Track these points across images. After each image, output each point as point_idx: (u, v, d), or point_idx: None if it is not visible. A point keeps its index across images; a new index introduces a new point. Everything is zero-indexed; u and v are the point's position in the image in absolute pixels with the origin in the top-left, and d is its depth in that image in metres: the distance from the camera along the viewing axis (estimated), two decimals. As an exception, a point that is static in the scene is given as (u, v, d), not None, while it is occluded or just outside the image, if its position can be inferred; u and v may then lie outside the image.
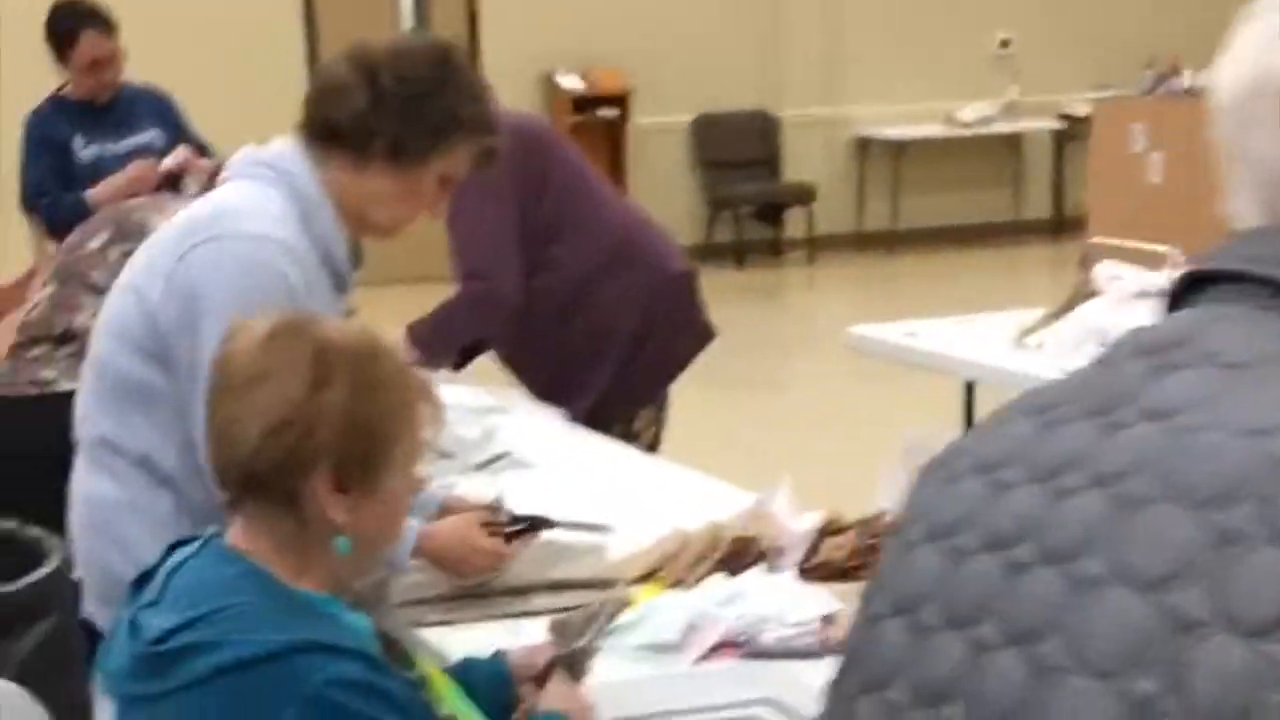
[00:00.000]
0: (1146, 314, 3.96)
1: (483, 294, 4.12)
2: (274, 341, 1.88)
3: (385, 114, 2.60)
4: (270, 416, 1.84)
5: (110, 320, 2.70)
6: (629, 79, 12.05)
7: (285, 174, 2.64)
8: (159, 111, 5.50)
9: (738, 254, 12.15)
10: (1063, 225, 13.29)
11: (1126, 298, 4.06)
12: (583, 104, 11.79)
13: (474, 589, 2.67)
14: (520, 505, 2.91)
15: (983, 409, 4.92)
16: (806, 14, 12.62)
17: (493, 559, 2.70)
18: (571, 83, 11.90)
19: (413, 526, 2.57)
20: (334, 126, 2.62)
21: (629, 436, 4.14)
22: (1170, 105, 7.23)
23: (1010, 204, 13.40)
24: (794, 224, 12.68)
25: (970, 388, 4.83)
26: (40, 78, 5.59)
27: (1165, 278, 4.11)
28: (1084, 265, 5.48)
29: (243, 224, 2.57)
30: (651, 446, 4.30)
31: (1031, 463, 1.03)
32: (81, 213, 5.08)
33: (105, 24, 5.29)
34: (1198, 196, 6.31)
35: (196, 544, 1.93)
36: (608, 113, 11.89)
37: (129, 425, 2.63)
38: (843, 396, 8.14)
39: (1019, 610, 0.98)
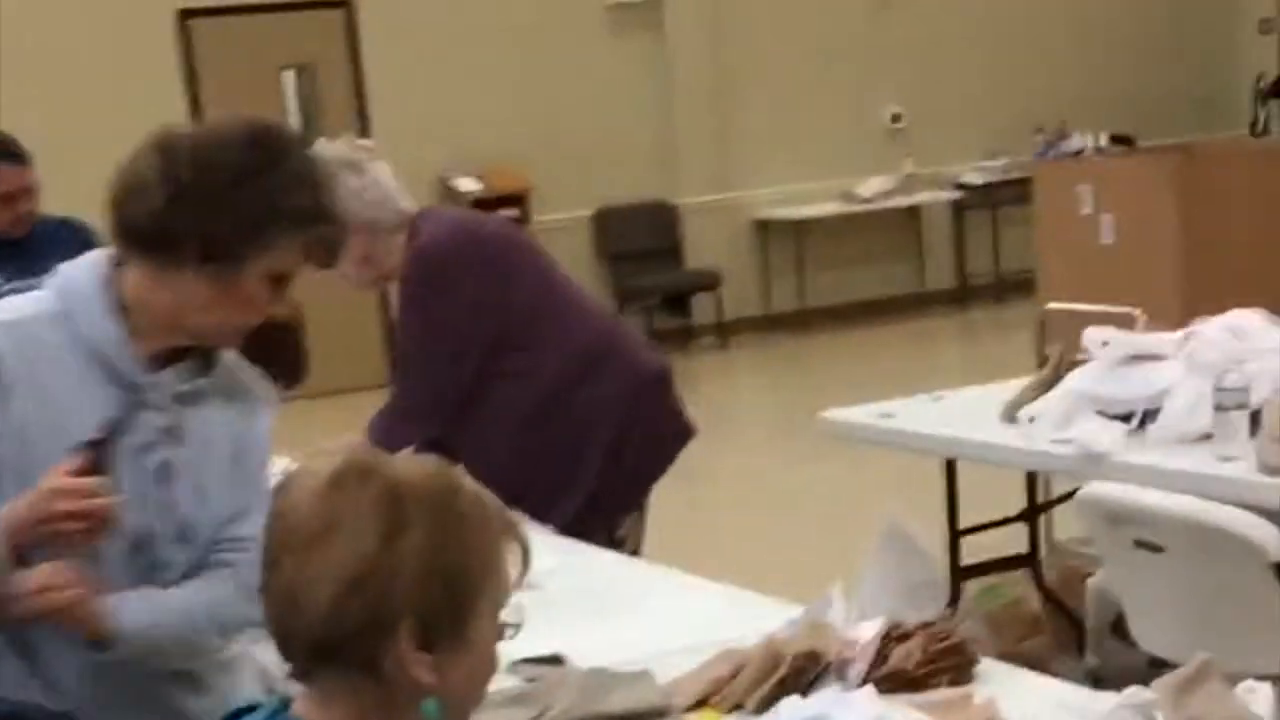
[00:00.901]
0: (1142, 378, 3.83)
1: (404, 400, 4.00)
2: (338, 487, 1.66)
3: (186, 212, 2.27)
4: (342, 575, 1.61)
5: None
6: (526, 177, 11.91)
7: (59, 275, 2.39)
8: (78, 242, 5.20)
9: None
10: (966, 294, 13.31)
11: (1120, 362, 3.92)
12: (481, 205, 11.58)
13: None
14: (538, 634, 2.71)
15: (967, 487, 4.78)
16: (696, 101, 12.57)
17: None
18: (469, 184, 11.73)
19: None
20: (133, 228, 2.31)
21: (612, 545, 3.95)
22: (1113, 165, 7.18)
23: (914, 275, 13.37)
24: (702, 310, 12.57)
25: (951, 465, 4.67)
26: None
27: (1159, 340, 3.98)
28: (1043, 331, 5.37)
29: None
30: (634, 552, 4.11)
31: None
32: None
33: (16, 156, 5.02)
34: (1149, 257, 6.26)
35: (261, 714, 1.71)
36: (507, 212, 11.69)
37: None
38: (774, 479, 7.98)
39: None
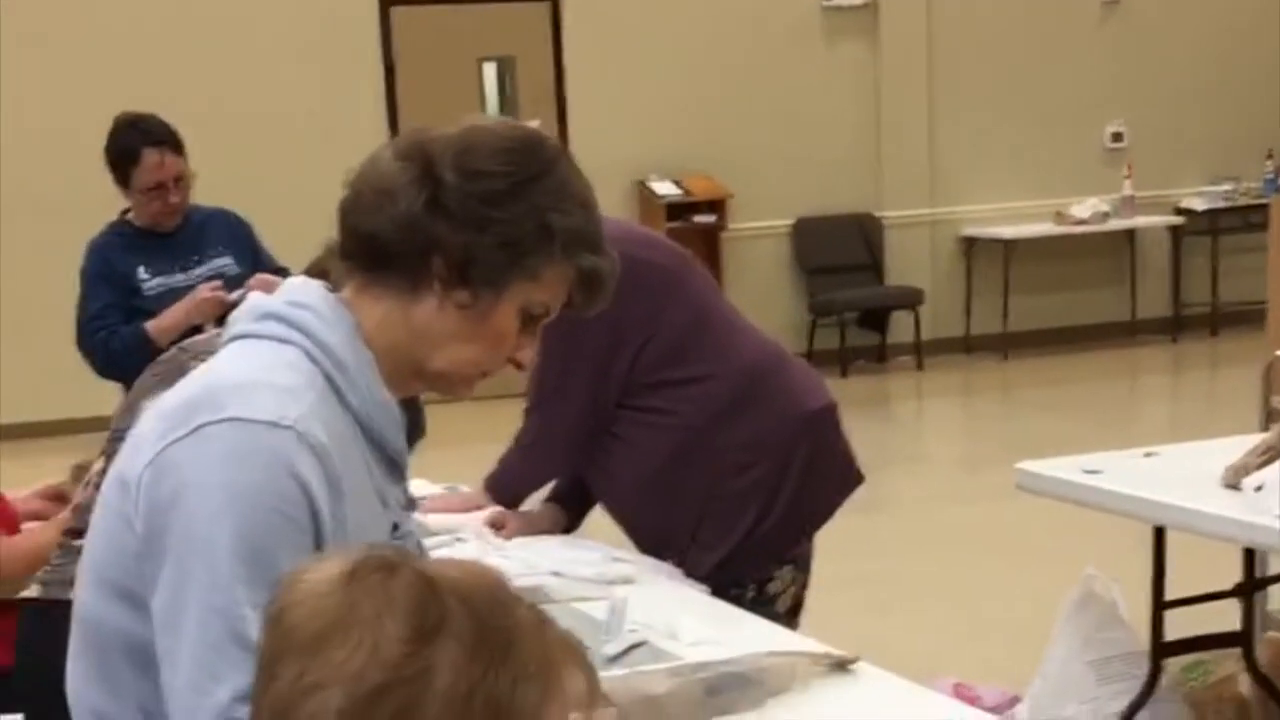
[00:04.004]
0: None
1: (533, 435, 3.66)
2: (355, 579, 1.27)
3: (446, 219, 1.90)
4: (359, 681, 1.22)
5: (89, 545, 1.96)
6: (725, 183, 11.55)
7: (300, 326, 1.92)
8: (232, 236, 4.97)
9: (842, 362, 11.55)
10: (1181, 324, 12.68)
11: (1363, 432, 3.44)
12: (678, 210, 11.28)
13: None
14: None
15: (1177, 552, 4.31)
16: (908, 112, 12.11)
17: None
18: (666, 188, 11.40)
19: None
20: (374, 240, 1.91)
21: (762, 601, 3.55)
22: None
23: (1125, 303, 12.75)
24: (899, 329, 12.10)
25: (1160, 530, 4.20)
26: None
27: None
28: (1270, 380, 4.89)
29: (236, 406, 1.82)
30: (793, 611, 3.70)
31: None
32: (140, 346, 4.55)
33: (171, 143, 4.78)
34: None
35: None
36: (704, 219, 11.37)
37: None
38: (964, 519, 7.51)
39: None
